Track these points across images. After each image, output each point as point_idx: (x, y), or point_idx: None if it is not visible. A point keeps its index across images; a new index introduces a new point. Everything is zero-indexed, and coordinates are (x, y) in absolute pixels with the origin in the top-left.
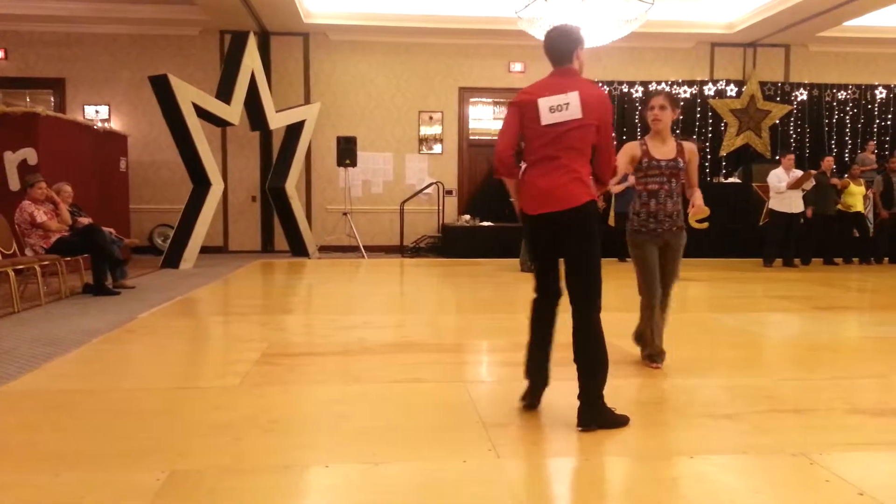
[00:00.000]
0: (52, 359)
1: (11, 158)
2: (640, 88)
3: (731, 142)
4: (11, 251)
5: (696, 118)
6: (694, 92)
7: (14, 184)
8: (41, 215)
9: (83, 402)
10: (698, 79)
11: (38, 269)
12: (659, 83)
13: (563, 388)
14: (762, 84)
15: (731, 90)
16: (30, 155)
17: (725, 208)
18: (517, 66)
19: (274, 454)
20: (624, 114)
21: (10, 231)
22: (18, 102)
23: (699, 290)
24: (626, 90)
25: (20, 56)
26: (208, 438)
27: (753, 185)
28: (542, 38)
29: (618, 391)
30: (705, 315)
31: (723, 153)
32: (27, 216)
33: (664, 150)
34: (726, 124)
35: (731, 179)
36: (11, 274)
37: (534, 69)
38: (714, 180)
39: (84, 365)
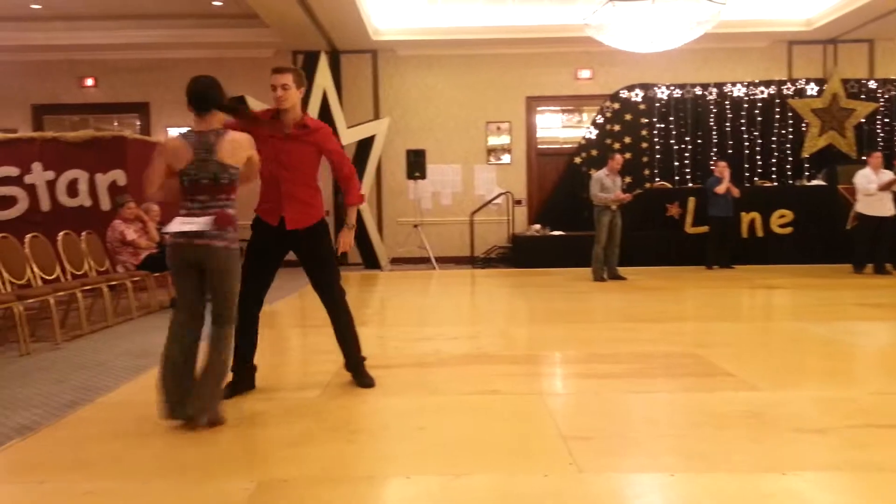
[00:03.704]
0: (143, 371)
1: (102, 180)
2: (714, 90)
3: (814, 143)
4: (104, 268)
5: (774, 119)
6: (772, 92)
7: (105, 204)
8: (131, 233)
9: None
10: (776, 78)
11: (129, 284)
12: (734, 84)
13: (644, 401)
14: (845, 82)
15: (812, 89)
16: (119, 176)
17: (809, 212)
18: (585, 73)
19: (356, 465)
20: (698, 118)
21: (103, 249)
22: (107, 127)
23: (784, 298)
24: (699, 93)
25: (108, 83)
26: (293, 448)
27: (839, 187)
28: (611, 43)
29: (704, 404)
30: (791, 324)
31: (805, 154)
32: (118, 234)
33: None
34: (808, 124)
35: (814, 182)
36: (105, 290)
37: (602, 75)
38: (797, 183)
39: None
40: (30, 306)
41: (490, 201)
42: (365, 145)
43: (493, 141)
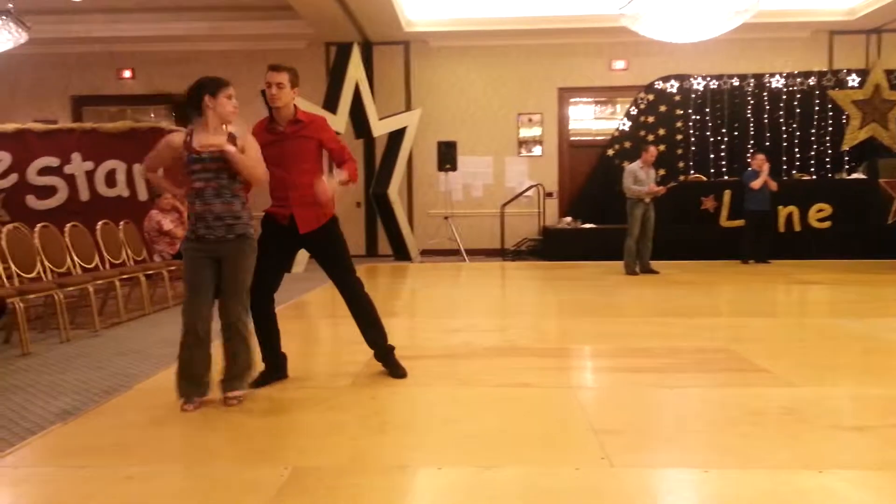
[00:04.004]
0: None
1: (139, 170)
2: (753, 81)
3: (854, 135)
4: (142, 257)
5: (814, 111)
6: (811, 83)
7: (142, 194)
8: (168, 223)
9: (211, 399)
10: (816, 69)
11: (165, 273)
12: (772, 75)
13: (677, 396)
14: (888, 73)
15: (853, 80)
16: None
17: (849, 206)
18: (619, 64)
19: (388, 454)
20: (735, 110)
21: (140, 238)
22: (144, 118)
23: (821, 293)
24: (736, 84)
25: (145, 75)
26: (326, 438)
27: (880, 180)
28: (646, 34)
29: (738, 399)
30: (828, 320)
31: (845, 147)
32: (155, 224)
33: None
34: (848, 116)
35: (854, 175)
36: (142, 278)
37: (636, 65)
38: (836, 176)
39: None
40: (70, 294)
41: (521, 193)
42: (396, 137)
43: (525, 133)
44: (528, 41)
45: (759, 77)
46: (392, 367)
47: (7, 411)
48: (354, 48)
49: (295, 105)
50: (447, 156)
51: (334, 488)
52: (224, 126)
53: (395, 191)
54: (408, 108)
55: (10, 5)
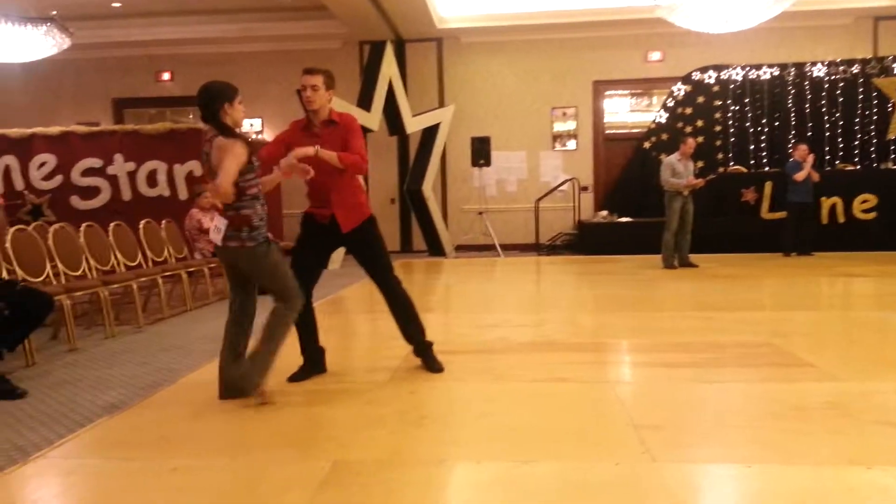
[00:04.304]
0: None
1: (180, 171)
2: (793, 70)
3: None
4: (183, 255)
5: (857, 99)
6: (855, 71)
7: (183, 193)
8: (207, 222)
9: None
10: (859, 57)
11: (206, 271)
12: (814, 64)
13: (719, 391)
14: None
15: None
16: (195, 167)
17: (894, 197)
18: (655, 55)
19: (426, 449)
20: (776, 100)
21: (181, 237)
22: (183, 119)
23: (866, 286)
24: (776, 73)
25: (183, 77)
26: (365, 431)
27: None
28: (683, 24)
29: (782, 394)
30: (874, 314)
31: (891, 136)
32: (195, 223)
33: None
34: (894, 105)
35: None
36: (184, 276)
37: (673, 56)
38: (882, 166)
39: None
40: (114, 291)
41: (556, 188)
42: (430, 133)
43: (559, 127)
44: (562, 35)
45: (799, 66)
46: (429, 362)
47: (56, 405)
48: (388, 46)
49: (330, 107)
50: (481, 151)
51: (375, 482)
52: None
53: (429, 187)
54: (441, 104)
55: (55, 12)
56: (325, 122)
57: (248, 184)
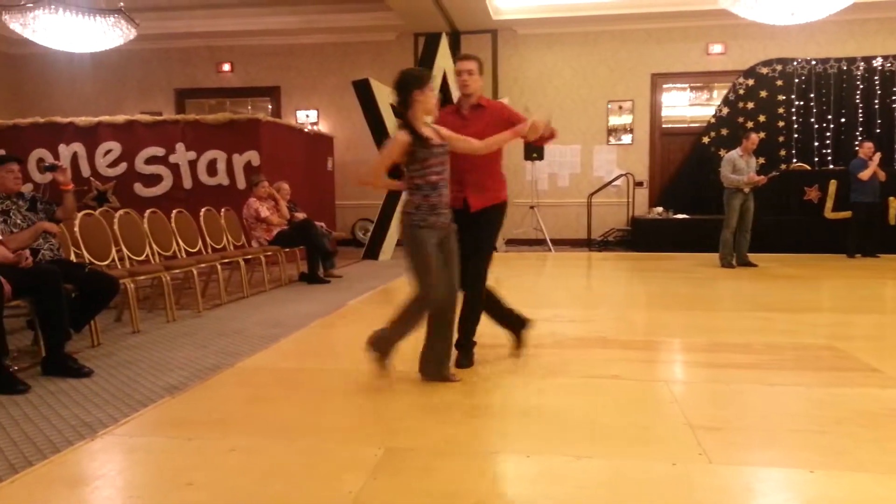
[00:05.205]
0: (277, 339)
1: (238, 160)
2: (862, 65)
3: None
4: (241, 243)
5: None
6: None
7: (241, 183)
8: (264, 211)
9: (307, 379)
10: None
11: (262, 258)
12: (885, 58)
13: (778, 394)
14: None
15: None
16: (253, 157)
17: None
18: (717, 48)
19: (477, 440)
20: (842, 95)
21: (240, 225)
22: (242, 110)
23: None
24: (844, 67)
25: (242, 68)
26: (417, 420)
27: None
28: (747, 16)
29: (846, 399)
30: None
31: None
32: (253, 212)
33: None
34: None
35: None
36: (242, 263)
37: (735, 49)
38: None
39: (305, 345)
40: (175, 276)
41: (609, 183)
42: None
43: (615, 120)
44: (620, 26)
45: (868, 60)
46: (464, 354)
47: (121, 384)
48: (443, 38)
49: (480, 93)
50: (534, 145)
51: (427, 470)
52: (429, 118)
53: None
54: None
55: (121, 4)
56: (474, 107)
57: (415, 174)
